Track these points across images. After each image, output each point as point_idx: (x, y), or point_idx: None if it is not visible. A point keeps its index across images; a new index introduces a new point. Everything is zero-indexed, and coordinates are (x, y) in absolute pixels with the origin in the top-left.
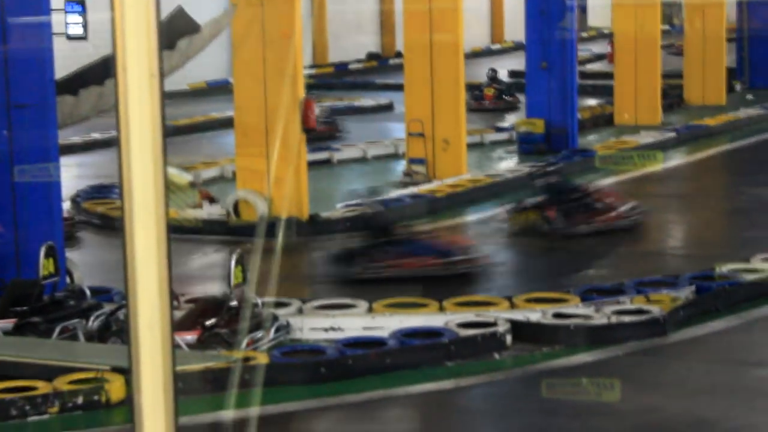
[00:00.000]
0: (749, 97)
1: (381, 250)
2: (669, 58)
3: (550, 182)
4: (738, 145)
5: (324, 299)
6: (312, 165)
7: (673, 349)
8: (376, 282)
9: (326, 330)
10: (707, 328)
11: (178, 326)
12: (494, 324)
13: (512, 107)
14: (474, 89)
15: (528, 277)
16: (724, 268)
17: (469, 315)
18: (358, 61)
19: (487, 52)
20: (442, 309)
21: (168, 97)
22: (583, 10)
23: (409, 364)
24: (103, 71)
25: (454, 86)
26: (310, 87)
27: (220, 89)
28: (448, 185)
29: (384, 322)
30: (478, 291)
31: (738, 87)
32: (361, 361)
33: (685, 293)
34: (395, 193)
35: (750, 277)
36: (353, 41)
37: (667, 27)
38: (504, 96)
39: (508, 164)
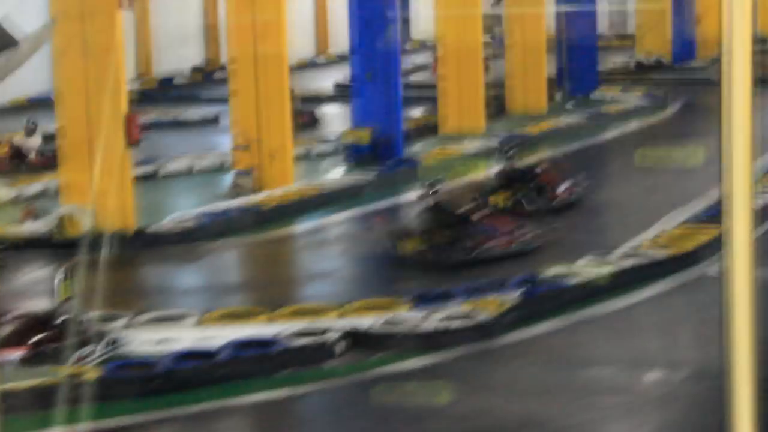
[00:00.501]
0: (569, 105)
1: (466, 233)
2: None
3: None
4: (559, 151)
5: (153, 312)
6: (138, 179)
7: (502, 352)
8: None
9: (157, 343)
10: (535, 331)
11: (4, 343)
12: (326, 332)
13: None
14: None
15: (363, 284)
16: (550, 272)
17: (301, 324)
18: (183, 74)
19: (312, 65)
20: (272, 318)
21: None
22: (407, 22)
23: (242, 374)
24: None
25: (279, 98)
26: (133, 101)
27: (41, 104)
28: (275, 196)
29: (215, 333)
30: (309, 299)
31: (558, 95)
32: (193, 373)
33: (513, 297)
34: (222, 205)
35: (574, 280)
36: (177, 54)
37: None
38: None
39: (334, 174)
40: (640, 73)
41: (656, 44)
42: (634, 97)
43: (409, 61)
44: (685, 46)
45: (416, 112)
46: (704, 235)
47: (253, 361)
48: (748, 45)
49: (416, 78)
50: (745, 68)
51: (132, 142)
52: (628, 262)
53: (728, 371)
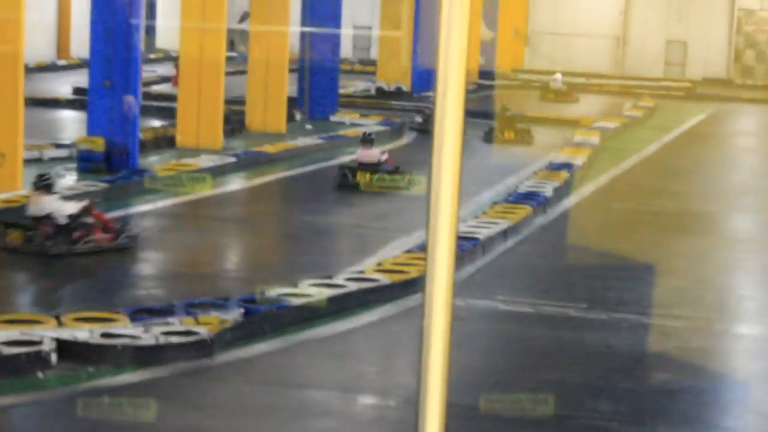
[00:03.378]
0: (308, 126)
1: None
2: (233, 84)
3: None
4: (294, 172)
5: None
6: None
7: (219, 371)
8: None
9: None
10: (253, 350)
11: None
12: (39, 342)
13: None
14: None
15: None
16: (273, 292)
17: (14, 333)
18: None
19: (52, 67)
20: None
21: None
22: (151, 31)
23: None
24: None
25: (13, 98)
26: None
27: None
28: (1, 200)
29: None
30: None
31: (298, 116)
32: None
33: (234, 315)
34: None
35: (296, 300)
36: None
37: (233, 53)
38: None
39: (66, 181)
40: (379, 99)
41: (397, 72)
42: (372, 123)
43: (151, 71)
44: (424, 76)
45: (154, 123)
46: None
47: None
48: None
49: (157, 88)
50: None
51: None
52: (351, 286)
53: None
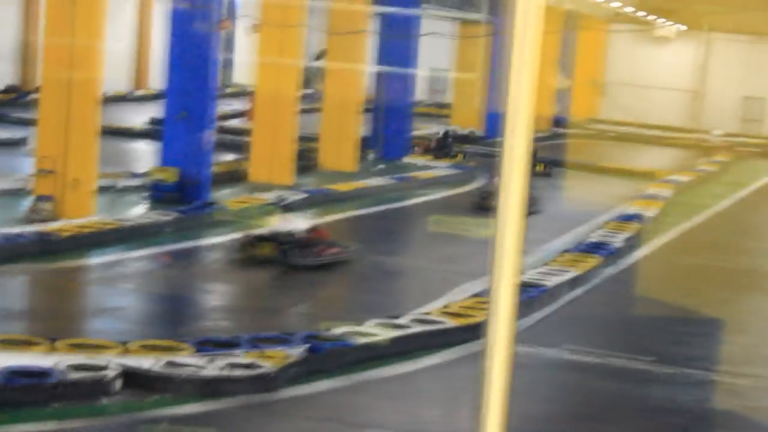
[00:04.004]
0: (380, 167)
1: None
2: (307, 121)
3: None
4: (364, 212)
5: None
6: None
7: (280, 405)
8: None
9: None
10: (316, 387)
11: None
12: (105, 368)
13: None
14: None
15: (150, 323)
16: (338, 330)
17: (80, 357)
18: None
19: (129, 98)
20: (53, 349)
21: None
22: (229, 65)
23: (12, 403)
24: None
25: (88, 126)
26: None
27: None
28: (74, 225)
29: None
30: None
31: (370, 156)
32: None
33: (298, 351)
34: (16, 230)
35: (361, 340)
36: None
37: (310, 90)
38: None
39: (137, 210)
40: (452, 143)
41: (471, 116)
42: (443, 166)
43: (227, 106)
44: (498, 121)
45: (227, 157)
46: None
47: (25, 391)
48: (528, 124)
49: (231, 123)
50: (522, 148)
51: None
52: (416, 328)
53: None
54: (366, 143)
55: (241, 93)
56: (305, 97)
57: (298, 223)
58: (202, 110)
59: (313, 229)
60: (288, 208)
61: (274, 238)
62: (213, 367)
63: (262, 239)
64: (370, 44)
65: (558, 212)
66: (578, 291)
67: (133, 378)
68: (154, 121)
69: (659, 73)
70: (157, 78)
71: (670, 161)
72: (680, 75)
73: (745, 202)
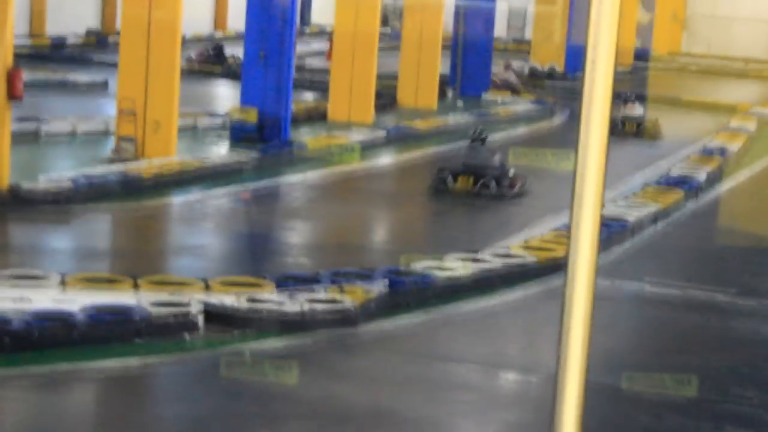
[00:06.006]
0: (459, 104)
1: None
2: (386, 60)
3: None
4: (443, 149)
5: (14, 269)
6: (18, 136)
7: (362, 340)
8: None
9: (14, 300)
10: (397, 323)
11: None
12: (187, 305)
13: None
14: None
15: (231, 261)
16: (418, 265)
17: (163, 294)
18: (77, 35)
19: (209, 39)
20: (136, 287)
21: None
22: (307, 4)
23: (98, 339)
24: None
25: (169, 68)
26: (21, 56)
27: None
28: (155, 166)
29: (76, 296)
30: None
31: (450, 94)
32: (47, 334)
33: (379, 287)
34: (100, 170)
35: (442, 274)
36: (73, 13)
37: (388, 29)
38: None
39: (218, 150)
40: (533, 79)
41: (551, 52)
42: (524, 103)
43: (306, 45)
44: (579, 56)
45: (307, 97)
46: None
47: (110, 327)
48: (611, 58)
49: (311, 62)
50: (606, 81)
51: (14, 96)
52: (497, 263)
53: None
54: (445, 81)
55: (320, 33)
56: (383, 36)
57: (494, 158)
58: (281, 50)
59: (503, 163)
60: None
61: (472, 172)
62: (294, 302)
63: (460, 173)
64: None
65: (641, 147)
66: (660, 225)
67: (215, 314)
68: (236, 62)
69: (742, 4)
70: (236, 19)
71: (754, 94)
72: (764, 5)
73: None
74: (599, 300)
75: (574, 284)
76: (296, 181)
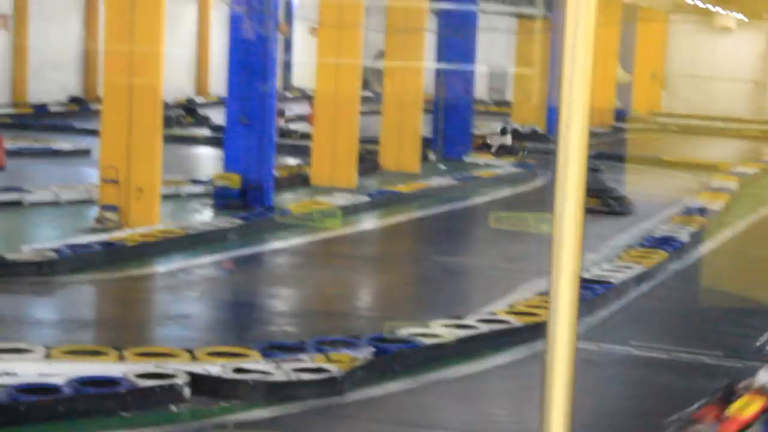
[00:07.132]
0: (441, 167)
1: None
2: (367, 123)
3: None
4: (427, 212)
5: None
6: (1, 206)
7: (348, 409)
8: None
9: None
10: (383, 389)
11: None
12: (173, 375)
13: None
14: None
15: (217, 330)
16: (404, 331)
17: (149, 366)
18: (60, 103)
19: (190, 104)
20: (122, 358)
21: None
22: (288, 68)
23: (84, 412)
24: None
25: (151, 134)
26: (3, 125)
27: None
28: (139, 234)
29: (61, 369)
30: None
31: (432, 156)
32: (33, 408)
33: (364, 354)
34: (84, 239)
35: (427, 340)
36: (55, 81)
37: (369, 93)
38: None
39: (201, 217)
40: (514, 140)
41: (532, 113)
42: (506, 165)
43: (287, 109)
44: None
45: (289, 161)
46: None
47: (96, 399)
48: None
49: (292, 126)
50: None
51: None
52: (482, 327)
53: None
54: (427, 143)
55: (302, 97)
56: (365, 100)
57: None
58: (263, 114)
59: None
60: None
61: (599, 193)
62: (280, 371)
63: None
64: (428, 42)
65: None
66: (644, 287)
67: (201, 384)
68: (216, 128)
69: (721, 64)
70: (217, 84)
71: (734, 153)
72: (742, 65)
73: None
74: (585, 364)
75: (554, 348)
76: (280, 247)
